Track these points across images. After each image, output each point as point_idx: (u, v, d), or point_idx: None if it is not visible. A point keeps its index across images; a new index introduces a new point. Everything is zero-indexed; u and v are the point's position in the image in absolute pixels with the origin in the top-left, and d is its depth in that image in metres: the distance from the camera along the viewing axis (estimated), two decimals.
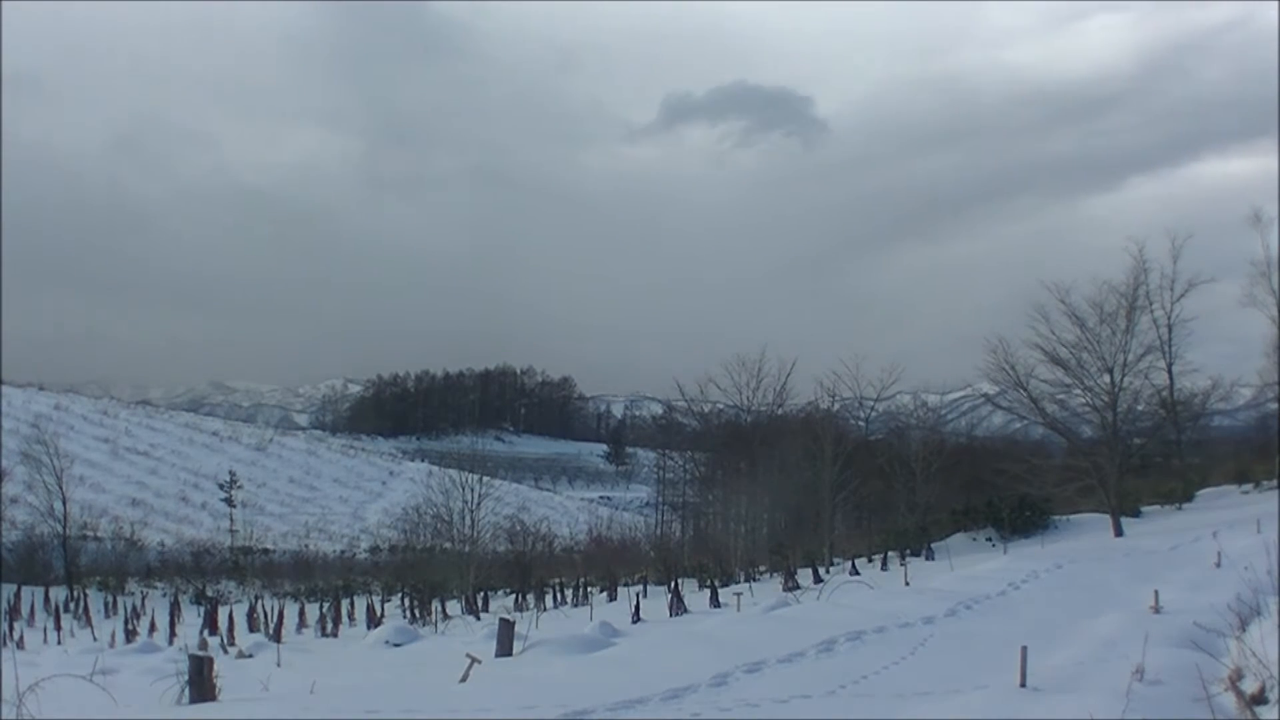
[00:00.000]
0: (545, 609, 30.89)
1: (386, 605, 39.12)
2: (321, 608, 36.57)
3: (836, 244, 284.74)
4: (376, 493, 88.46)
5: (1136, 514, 32.47)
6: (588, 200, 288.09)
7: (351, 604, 39.14)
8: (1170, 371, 36.50)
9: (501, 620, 16.25)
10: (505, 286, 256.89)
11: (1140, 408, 34.16)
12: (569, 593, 35.66)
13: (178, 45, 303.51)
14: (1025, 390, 33.22)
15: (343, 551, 66.97)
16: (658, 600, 26.13)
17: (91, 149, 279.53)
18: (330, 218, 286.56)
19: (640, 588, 31.86)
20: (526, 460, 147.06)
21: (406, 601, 37.28)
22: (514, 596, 36.69)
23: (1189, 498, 34.52)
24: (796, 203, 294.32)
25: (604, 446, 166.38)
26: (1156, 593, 13.18)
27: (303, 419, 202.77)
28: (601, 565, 40.92)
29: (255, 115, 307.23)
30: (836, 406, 45.26)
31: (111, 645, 27.42)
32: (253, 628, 32.05)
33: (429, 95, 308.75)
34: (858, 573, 27.74)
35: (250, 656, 21.72)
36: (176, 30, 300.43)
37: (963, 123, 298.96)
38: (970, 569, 21.50)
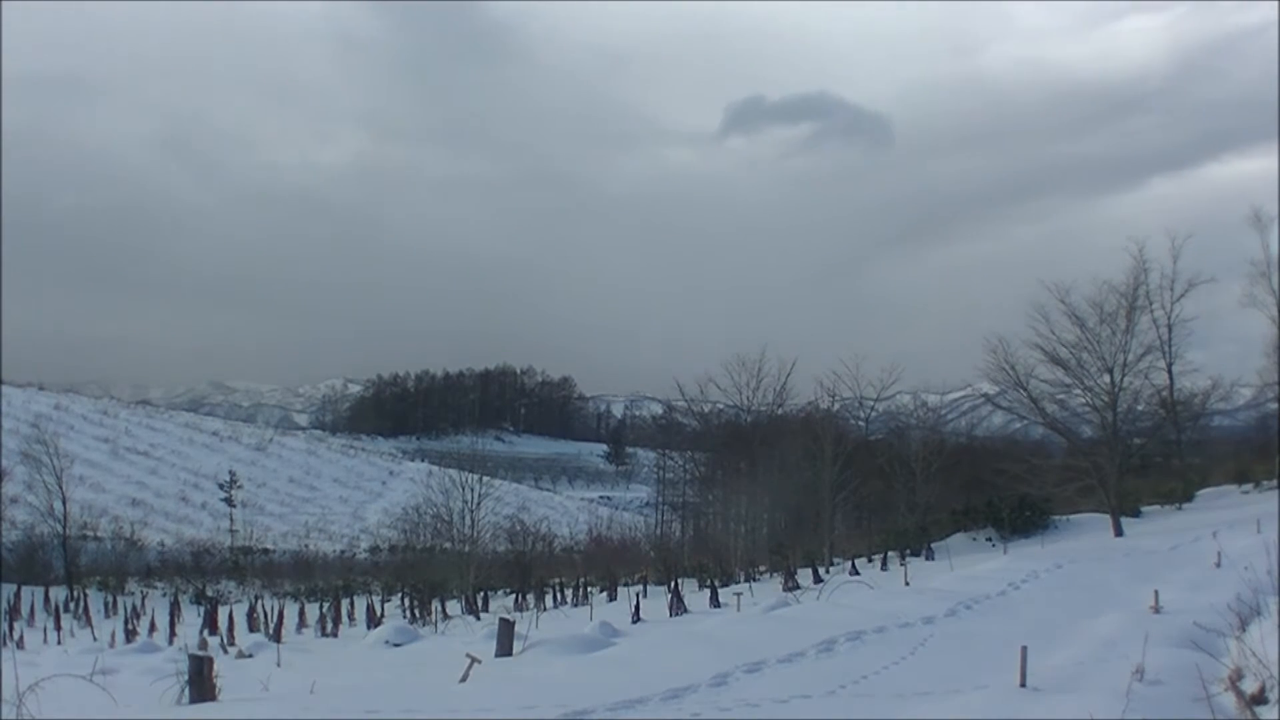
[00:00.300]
0: (545, 609, 30.88)
1: (386, 605, 39.12)
2: (321, 608, 36.58)
3: (857, 247, 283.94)
4: (376, 493, 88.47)
5: (1136, 514, 32.47)
6: (617, 203, 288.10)
7: (351, 604, 39.13)
8: (1170, 371, 36.53)
9: (501, 620, 16.25)
10: (511, 287, 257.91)
11: (1140, 408, 34.19)
12: (569, 593, 35.67)
13: (223, 46, 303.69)
14: (1025, 390, 33.26)
15: (343, 551, 66.98)
16: (658, 600, 26.12)
17: (123, 148, 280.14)
18: (345, 219, 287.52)
19: (640, 588, 31.85)
20: (526, 460, 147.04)
21: (406, 601, 37.29)
22: (514, 596, 36.68)
23: (1189, 498, 34.51)
24: (823, 206, 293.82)
25: (604, 446, 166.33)
26: (1156, 593, 13.18)
27: (303, 419, 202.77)
28: (601, 565, 40.93)
29: (292, 115, 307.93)
30: (836, 406, 45.30)
31: (111, 645, 27.43)
32: (253, 628, 32.06)
33: (475, 98, 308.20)
34: (858, 573, 27.74)
35: (250, 656, 21.72)
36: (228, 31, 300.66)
37: (990, 124, 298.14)
38: (970, 569, 21.50)
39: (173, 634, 30.84)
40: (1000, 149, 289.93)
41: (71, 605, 42.25)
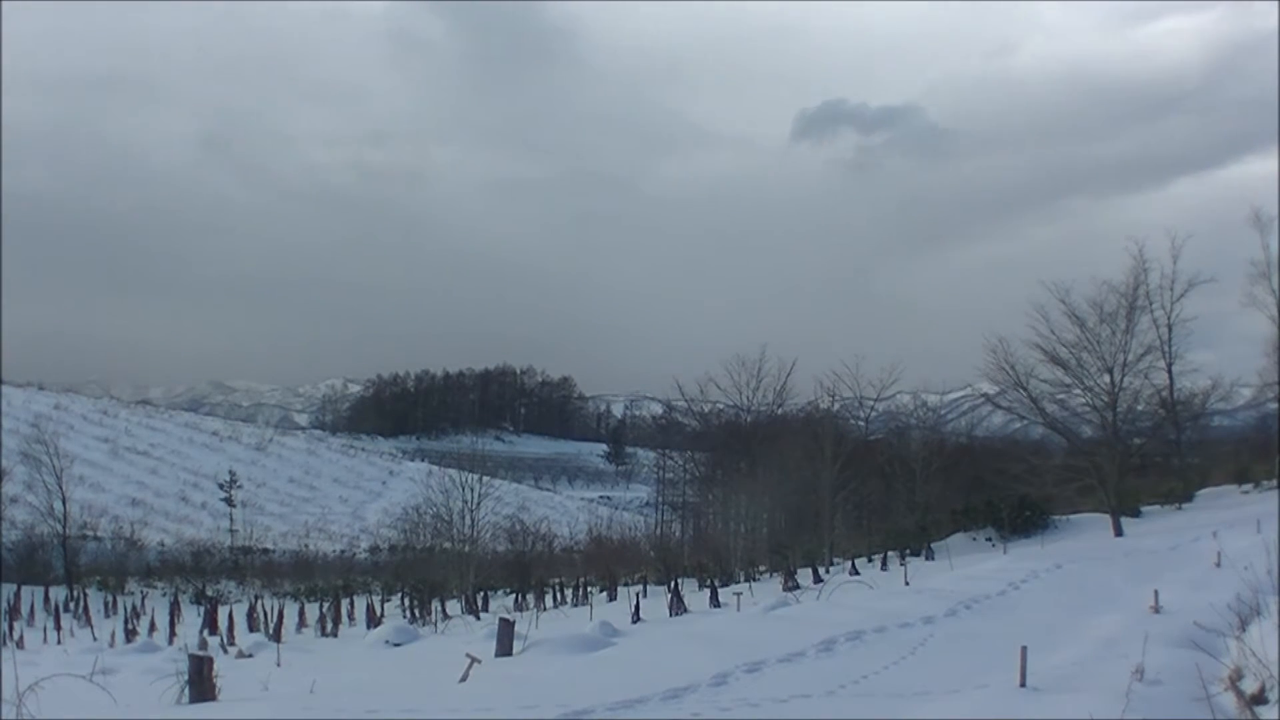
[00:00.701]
0: (545, 609, 30.90)
1: (386, 605, 39.12)
2: (321, 608, 36.57)
3: (876, 249, 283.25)
4: (376, 492, 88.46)
5: (1136, 514, 32.45)
6: (643, 206, 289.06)
7: (351, 604, 39.14)
8: (1170, 371, 36.48)
9: (501, 620, 16.24)
10: (516, 288, 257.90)
11: (1140, 408, 34.14)
12: (569, 593, 35.67)
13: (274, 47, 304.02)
14: (1025, 390, 33.21)
15: (343, 551, 67.01)
16: (658, 600, 26.13)
17: (149, 148, 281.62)
18: (359, 220, 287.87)
19: (640, 588, 31.86)
20: (526, 460, 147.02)
21: (406, 601, 37.29)
22: (514, 596, 36.70)
23: (1189, 498, 34.50)
24: (849, 208, 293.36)
25: (604, 446, 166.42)
26: (1156, 593, 13.16)
27: (303, 419, 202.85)
28: (601, 565, 40.93)
29: (334, 115, 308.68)
30: (836, 406, 45.27)
31: (111, 645, 27.46)
32: (253, 628, 32.05)
33: (519, 100, 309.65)
34: (858, 573, 27.75)
35: (250, 656, 21.73)
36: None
37: (1017, 124, 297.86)
38: (970, 569, 21.49)
39: (173, 634, 30.86)
40: (1026, 149, 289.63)
41: (71, 605, 42.23)
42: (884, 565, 30.73)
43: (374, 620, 31.52)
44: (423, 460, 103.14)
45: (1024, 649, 8.56)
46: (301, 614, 34.65)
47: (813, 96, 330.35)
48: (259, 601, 41.38)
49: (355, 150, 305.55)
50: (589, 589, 35.21)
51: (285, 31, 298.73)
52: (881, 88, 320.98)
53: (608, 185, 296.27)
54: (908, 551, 32.61)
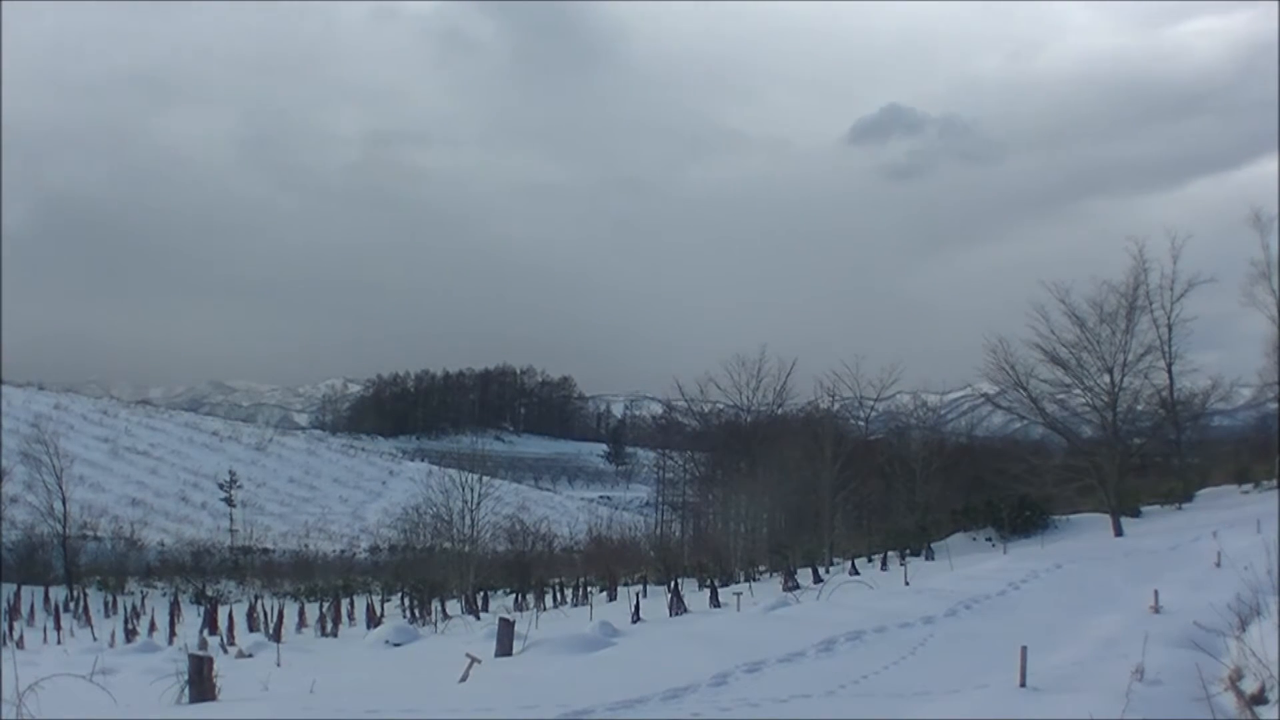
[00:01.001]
0: (545, 609, 30.90)
1: (386, 605, 39.13)
2: (321, 608, 36.56)
3: (893, 252, 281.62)
4: (376, 492, 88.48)
5: (1136, 514, 32.45)
6: (660, 207, 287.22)
7: (351, 604, 39.15)
8: (1170, 371, 36.45)
9: (501, 620, 16.24)
10: (517, 289, 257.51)
11: (1140, 408, 34.14)
12: (569, 593, 35.68)
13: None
14: (1025, 390, 33.22)
15: (343, 551, 67.04)
16: (658, 600, 26.13)
17: (171, 148, 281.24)
18: (369, 220, 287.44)
19: (640, 588, 31.85)
20: (526, 460, 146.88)
21: (406, 601, 37.30)
22: (514, 596, 36.70)
23: (1189, 498, 34.48)
24: (860, 211, 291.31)
25: (604, 446, 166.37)
26: (1156, 593, 13.16)
27: (303, 419, 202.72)
28: (601, 565, 40.94)
29: (361, 115, 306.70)
30: (836, 406, 45.25)
31: (111, 645, 27.46)
32: (253, 627, 32.05)
33: (565, 103, 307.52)
34: (858, 573, 27.75)
35: (250, 656, 21.73)
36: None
37: (1041, 125, 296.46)
38: (970, 569, 21.49)
39: (173, 634, 30.85)
40: (1046, 150, 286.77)
41: (71, 605, 42.24)
42: (884, 565, 30.72)
43: (374, 620, 31.53)
44: (423, 460, 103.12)
45: (1024, 649, 8.57)
46: (301, 614, 34.66)
47: (826, 98, 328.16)
48: (259, 601, 41.39)
49: (369, 151, 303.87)
50: (589, 589, 35.21)
51: (327, 31, 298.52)
52: (901, 89, 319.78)
53: (625, 188, 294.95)
54: (908, 551, 32.61)
